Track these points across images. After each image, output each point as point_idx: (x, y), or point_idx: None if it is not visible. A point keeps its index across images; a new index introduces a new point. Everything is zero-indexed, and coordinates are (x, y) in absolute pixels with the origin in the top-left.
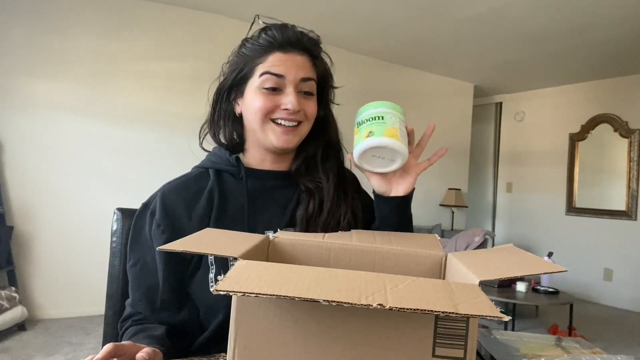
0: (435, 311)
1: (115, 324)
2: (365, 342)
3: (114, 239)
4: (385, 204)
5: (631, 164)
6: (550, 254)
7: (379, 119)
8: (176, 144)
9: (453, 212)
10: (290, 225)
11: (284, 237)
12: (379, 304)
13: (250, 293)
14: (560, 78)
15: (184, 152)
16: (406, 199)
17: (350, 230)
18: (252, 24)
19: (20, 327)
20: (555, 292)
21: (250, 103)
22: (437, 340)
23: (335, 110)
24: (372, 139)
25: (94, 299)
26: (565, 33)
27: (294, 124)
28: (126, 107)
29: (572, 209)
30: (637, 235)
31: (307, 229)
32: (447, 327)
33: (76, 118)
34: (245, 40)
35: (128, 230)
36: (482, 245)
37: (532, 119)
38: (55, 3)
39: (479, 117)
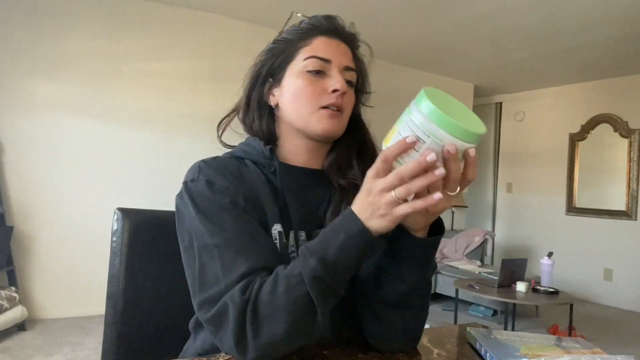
0: None
1: (115, 324)
2: None
3: (114, 238)
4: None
5: (631, 164)
6: (550, 254)
7: None
8: (176, 143)
9: (453, 212)
10: (319, 227)
11: None
12: None
13: None
14: (560, 78)
15: (185, 152)
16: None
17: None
18: (289, 19)
19: (20, 327)
20: (555, 292)
21: (292, 88)
22: None
23: None
24: None
25: (94, 299)
26: (565, 33)
27: (339, 110)
28: (126, 107)
29: (572, 209)
30: (637, 235)
31: None
32: None
33: (76, 118)
34: (282, 32)
35: (128, 230)
36: (482, 245)
37: (532, 119)
38: (56, 3)
39: (479, 117)
